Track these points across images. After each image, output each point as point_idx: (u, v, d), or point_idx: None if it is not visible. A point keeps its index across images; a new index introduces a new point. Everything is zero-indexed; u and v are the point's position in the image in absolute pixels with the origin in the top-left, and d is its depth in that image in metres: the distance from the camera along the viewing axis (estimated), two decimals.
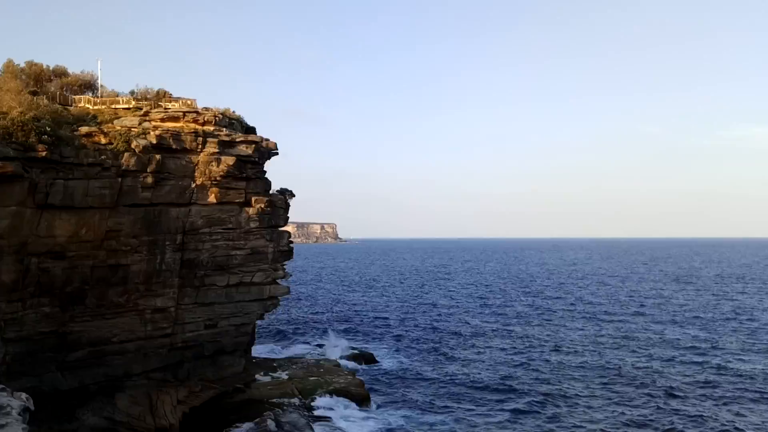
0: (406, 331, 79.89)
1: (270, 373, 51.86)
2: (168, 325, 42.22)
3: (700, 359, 59.86)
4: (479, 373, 55.84)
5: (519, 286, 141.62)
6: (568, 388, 50.46)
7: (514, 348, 67.11)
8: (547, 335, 74.61)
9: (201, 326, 44.18)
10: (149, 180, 39.67)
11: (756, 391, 48.52)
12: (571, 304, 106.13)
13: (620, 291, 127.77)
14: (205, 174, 43.45)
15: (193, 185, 42.94)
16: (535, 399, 47.50)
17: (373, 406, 46.78)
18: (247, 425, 40.00)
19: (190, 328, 43.61)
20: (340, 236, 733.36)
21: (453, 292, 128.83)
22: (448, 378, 54.97)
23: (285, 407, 43.53)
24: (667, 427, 40.65)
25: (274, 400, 45.01)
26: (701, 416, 42.64)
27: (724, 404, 45.48)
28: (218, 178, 43.88)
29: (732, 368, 55.99)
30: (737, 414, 43.26)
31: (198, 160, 42.81)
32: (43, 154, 33.70)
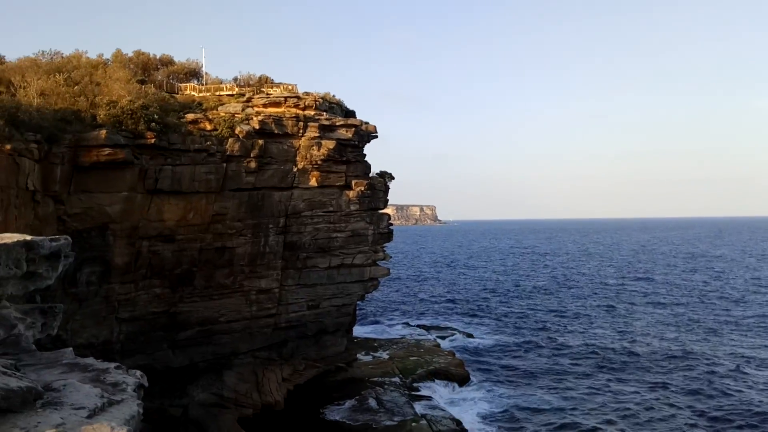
0: (507, 311, 78.88)
1: (371, 353, 52.52)
2: (272, 305, 43.42)
3: None
4: (581, 355, 54.32)
5: (625, 270, 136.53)
6: (660, 372, 48.22)
7: (616, 330, 64.80)
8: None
9: (304, 307, 45.18)
10: (252, 164, 40.66)
11: None
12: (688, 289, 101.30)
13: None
14: (306, 158, 44.06)
15: (295, 169, 43.66)
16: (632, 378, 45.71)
17: (473, 386, 46.44)
18: (348, 402, 40.75)
19: (294, 309, 44.68)
20: (439, 218, 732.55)
21: (553, 271, 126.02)
22: (548, 357, 53.86)
23: (386, 386, 43.98)
24: None
25: (375, 378, 45.56)
26: None
27: None
28: (319, 162, 44.40)
29: None
30: None
31: (299, 145, 43.47)
32: (152, 141, 35.10)
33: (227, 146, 39.25)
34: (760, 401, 41.14)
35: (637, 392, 44.03)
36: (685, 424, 37.61)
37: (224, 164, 39.39)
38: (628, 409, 40.60)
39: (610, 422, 38.24)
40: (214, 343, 40.82)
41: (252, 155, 40.60)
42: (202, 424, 35.68)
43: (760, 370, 48.59)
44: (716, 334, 62.57)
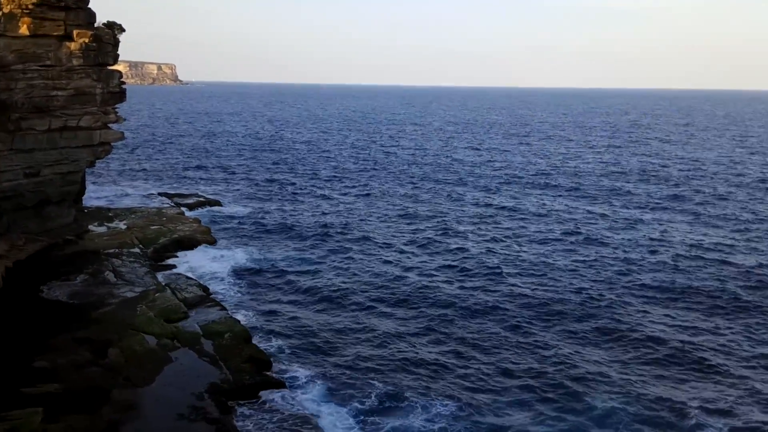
0: (254, 176, 78.26)
1: (106, 224, 48.82)
2: None
3: None
4: (325, 212, 56.28)
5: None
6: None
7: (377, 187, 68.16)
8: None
9: (20, 175, 39.81)
10: None
11: None
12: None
13: None
14: (13, 1, 37.43)
15: (0, 14, 36.92)
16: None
17: (221, 250, 45.74)
18: (81, 277, 37.58)
19: (7, 177, 39.14)
20: (180, 78, 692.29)
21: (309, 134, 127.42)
22: (295, 219, 54.94)
23: (124, 257, 41.35)
24: None
25: (112, 250, 42.57)
26: None
27: None
28: (30, 6, 38.04)
29: None
30: None
31: None
32: None
33: None
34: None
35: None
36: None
37: None
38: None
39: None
40: None
41: None
42: None
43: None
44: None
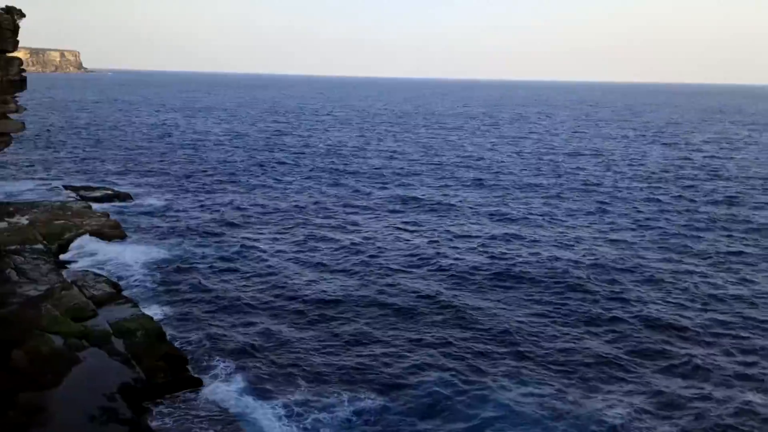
0: (167, 168, 76.02)
1: (6, 219, 46.28)
2: None
3: None
4: (241, 206, 55.42)
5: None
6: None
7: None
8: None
9: None
10: None
11: None
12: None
13: None
14: None
15: None
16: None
17: (131, 245, 44.17)
18: None
19: None
20: (84, 65, 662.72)
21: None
22: (210, 212, 53.83)
23: (26, 254, 39.34)
24: None
25: (13, 247, 40.41)
26: None
27: None
28: None
29: None
30: None
31: None
32: None
33: None
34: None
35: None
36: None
37: None
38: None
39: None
40: None
41: None
42: None
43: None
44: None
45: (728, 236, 49.67)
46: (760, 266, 42.18)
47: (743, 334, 31.32)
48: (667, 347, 29.64)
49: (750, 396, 25.39)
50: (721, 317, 33.43)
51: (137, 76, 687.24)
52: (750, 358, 28.75)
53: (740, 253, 45.16)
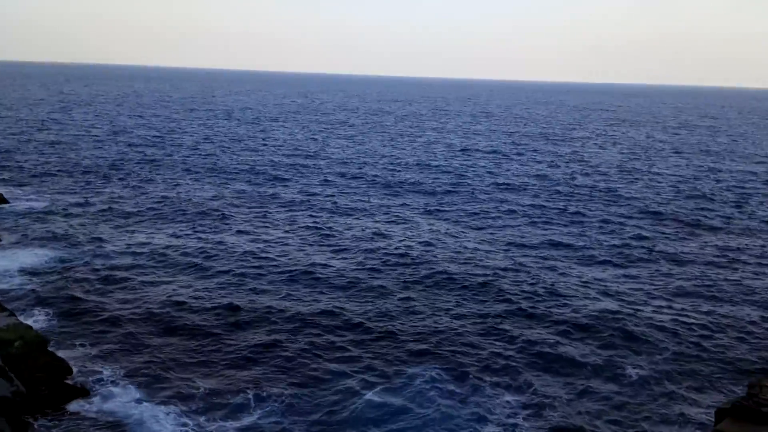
0: (46, 165, 71.65)
1: None
2: None
3: None
4: (126, 207, 53.11)
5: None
6: None
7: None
8: None
9: None
10: None
11: None
12: None
13: None
14: None
15: None
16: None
17: (7, 250, 41.36)
18: None
19: None
20: None
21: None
22: (93, 212, 51.28)
23: None
24: None
25: None
26: None
27: None
28: None
29: None
30: None
31: None
32: None
33: None
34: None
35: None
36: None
37: None
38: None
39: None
40: None
41: None
42: None
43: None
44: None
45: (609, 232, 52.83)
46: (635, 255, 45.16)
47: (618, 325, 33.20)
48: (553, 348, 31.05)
49: (613, 387, 27.09)
50: (595, 312, 35.35)
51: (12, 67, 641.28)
52: (619, 352, 30.37)
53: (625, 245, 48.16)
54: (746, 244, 48.34)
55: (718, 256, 44.97)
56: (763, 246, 48.09)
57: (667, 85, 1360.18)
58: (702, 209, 60.30)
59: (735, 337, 31.43)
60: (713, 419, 19.23)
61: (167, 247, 43.68)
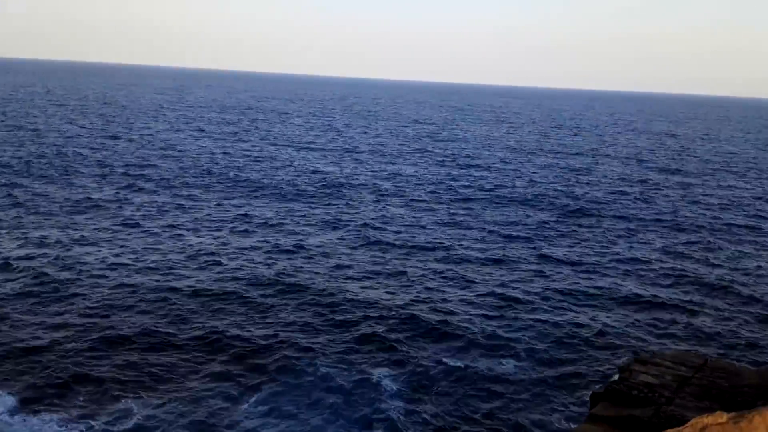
0: None
1: None
2: None
3: None
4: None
5: None
6: None
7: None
8: None
9: None
10: None
11: None
12: None
13: None
14: None
15: None
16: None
17: None
18: None
19: None
20: None
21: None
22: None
23: None
24: None
25: None
26: None
27: None
28: None
29: None
30: None
31: None
32: None
33: None
34: None
35: None
36: None
37: None
38: None
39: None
40: None
41: None
42: None
43: None
44: None
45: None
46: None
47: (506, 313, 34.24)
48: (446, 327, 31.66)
49: (507, 366, 28.01)
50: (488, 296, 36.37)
51: None
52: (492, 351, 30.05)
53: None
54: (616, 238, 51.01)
55: (587, 254, 46.13)
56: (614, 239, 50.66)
57: (554, 89, 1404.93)
58: (577, 206, 62.40)
59: (598, 332, 32.10)
60: (589, 404, 20.45)
61: (49, 245, 41.15)
